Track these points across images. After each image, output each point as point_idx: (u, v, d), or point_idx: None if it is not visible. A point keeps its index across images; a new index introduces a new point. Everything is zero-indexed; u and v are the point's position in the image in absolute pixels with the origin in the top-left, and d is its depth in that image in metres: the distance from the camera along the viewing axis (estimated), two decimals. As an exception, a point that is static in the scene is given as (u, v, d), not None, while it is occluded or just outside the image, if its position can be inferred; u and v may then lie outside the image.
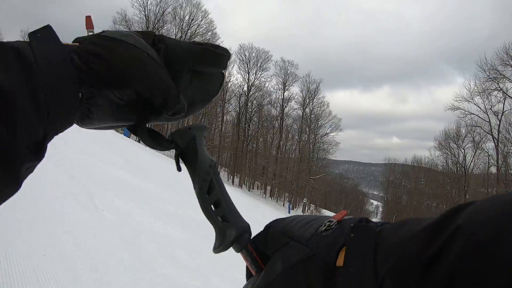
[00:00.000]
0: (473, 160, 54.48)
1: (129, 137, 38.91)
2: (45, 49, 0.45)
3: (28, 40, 0.46)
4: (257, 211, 23.81)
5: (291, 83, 64.90)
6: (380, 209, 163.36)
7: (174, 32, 55.28)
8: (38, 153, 0.42)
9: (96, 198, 7.48)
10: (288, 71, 64.34)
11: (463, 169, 55.63)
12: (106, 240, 5.54)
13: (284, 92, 64.64)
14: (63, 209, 5.97)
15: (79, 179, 8.35)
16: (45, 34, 0.47)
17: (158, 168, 19.06)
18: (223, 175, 60.49)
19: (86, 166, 10.21)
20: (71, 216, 5.84)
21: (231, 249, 0.64)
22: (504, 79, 43.65)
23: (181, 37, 55.04)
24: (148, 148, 32.74)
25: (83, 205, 6.65)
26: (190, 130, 0.64)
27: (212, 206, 0.64)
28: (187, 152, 0.63)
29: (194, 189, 0.63)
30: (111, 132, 24.89)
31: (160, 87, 0.55)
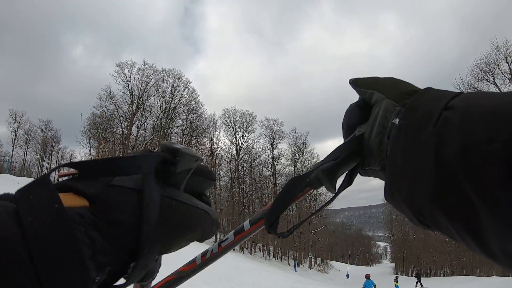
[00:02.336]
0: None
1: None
2: (44, 238, 0.35)
3: (15, 204, 0.37)
4: (261, 275, 23.18)
5: (279, 141, 65.56)
6: (389, 249, 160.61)
7: (159, 104, 56.15)
8: None
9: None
10: (274, 129, 65.14)
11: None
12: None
13: (273, 151, 65.14)
14: None
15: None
16: (41, 197, 0.38)
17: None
18: (223, 241, 59.26)
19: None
20: None
21: None
22: (483, 95, 43.99)
23: (165, 108, 55.87)
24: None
25: None
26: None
27: None
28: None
29: None
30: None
31: (211, 233, 0.55)
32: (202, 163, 0.54)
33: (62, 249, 0.35)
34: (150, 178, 0.47)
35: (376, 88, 0.58)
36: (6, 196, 0.38)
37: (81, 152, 54.71)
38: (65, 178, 0.44)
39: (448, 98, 0.42)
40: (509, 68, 41.22)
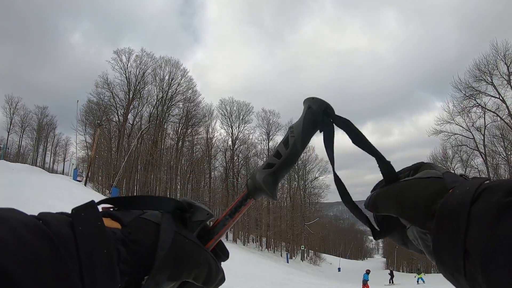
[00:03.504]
0: (465, 179, 54.31)
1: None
2: (89, 240, 0.46)
3: (70, 217, 0.47)
4: (254, 266, 23.20)
5: (275, 132, 65.47)
6: (381, 244, 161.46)
7: (156, 92, 56.00)
8: None
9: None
10: (271, 121, 65.09)
11: (457, 190, 55.52)
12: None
13: (268, 142, 65.10)
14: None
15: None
16: (90, 215, 0.48)
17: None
18: (216, 231, 59.35)
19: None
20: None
21: None
22: (481, 94, 44.66)
23: (162, 97, 55.64)
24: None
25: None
26: None
27: None
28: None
29: None
30: (96, 195, 24.47)
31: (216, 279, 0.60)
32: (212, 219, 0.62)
33: (101, 251, 0.45)
34: (168, 215, 0.58)
35: (395, 211, 0.58)
36: (63, 213, 0.48)
37: (76, 139, 54.61)
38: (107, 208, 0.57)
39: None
40: (508, 69, 41.20)
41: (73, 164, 57.75)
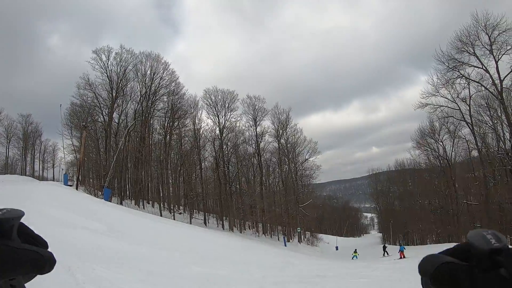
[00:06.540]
0: (453, 150, 56.11)
1: (109, 201, 38.31)
2: None
3: None
4: (253, 252, 23.41)
5: (262, 118, 65.44)
6: (376, 220, 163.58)
7: (139, 88, 55.61)
8: None
9: (76, 270, 7.23)
10: (256, 107, 64.88)
11: (446, 161, 56.84)
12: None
13: (256, 128, 65.12)
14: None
15: (54, 252, 7.95)
16: None
17: (143, 229, 18.65)
18: (212, 221, 59.79)
19: (62, 237, 9.85)
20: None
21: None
22: (464, 65, 45.13)
23: (145, 92, 55.32)
24: (133, 210, 32.34)
25: (62, 281, 6.38)
26: None
27: None
28: None
29: None
30: (89, 199, 24.46)
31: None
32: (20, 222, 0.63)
33: None
34: None
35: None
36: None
37: (63, 143, 54.19)
38: None
39: None
40: (489, 39, 41.56)
41: (62, 169, 57.50)
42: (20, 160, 74.11)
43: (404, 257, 32.40)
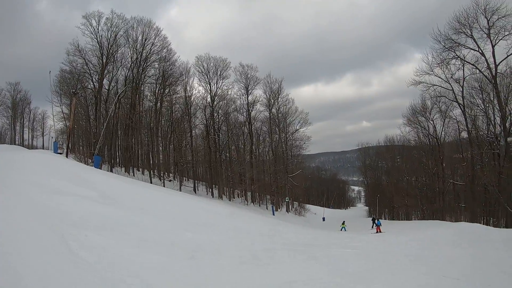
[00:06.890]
0: (443, 129, 56.43)
1: (100, 169, 38.34)
2: None
3: None
4: (241, 220, 23.73)
5: (253, 87, 65.05)
6: (362, 193, 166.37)
7: (130, 54, 54.71)
8: None
9: (69, 238, 7.33)
10: (249, 75, 64.35)
11: (435, 140, 57.38)
12: None
13: (248, 97, 64.91)
14: (30, 260, 5.28)
15: (45, 220, 8.02)
16: None
17: (134, 196, 18.74)
18: (201, 189, 60.24)
19: (54, 205, 9.88)
20: (40, 267, 5.24)
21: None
22: (460, 47, 44.98)
23: (136, 58, 54.62)
24: (124, 178, 32.38)
25: (54, 249, 6.46)
26: None
27: None
28: None
29: None
30: (79, 166, 24.45)
31: None
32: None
33: None
34: None
35: None
36: None
37: (52, 111, 53.64)
38: None
39: None
40: (488, 23, 41.31)
41: (52, 137, 57.04)
42: (9, 130, 73.59)
43: (380, 231, 33.14)
